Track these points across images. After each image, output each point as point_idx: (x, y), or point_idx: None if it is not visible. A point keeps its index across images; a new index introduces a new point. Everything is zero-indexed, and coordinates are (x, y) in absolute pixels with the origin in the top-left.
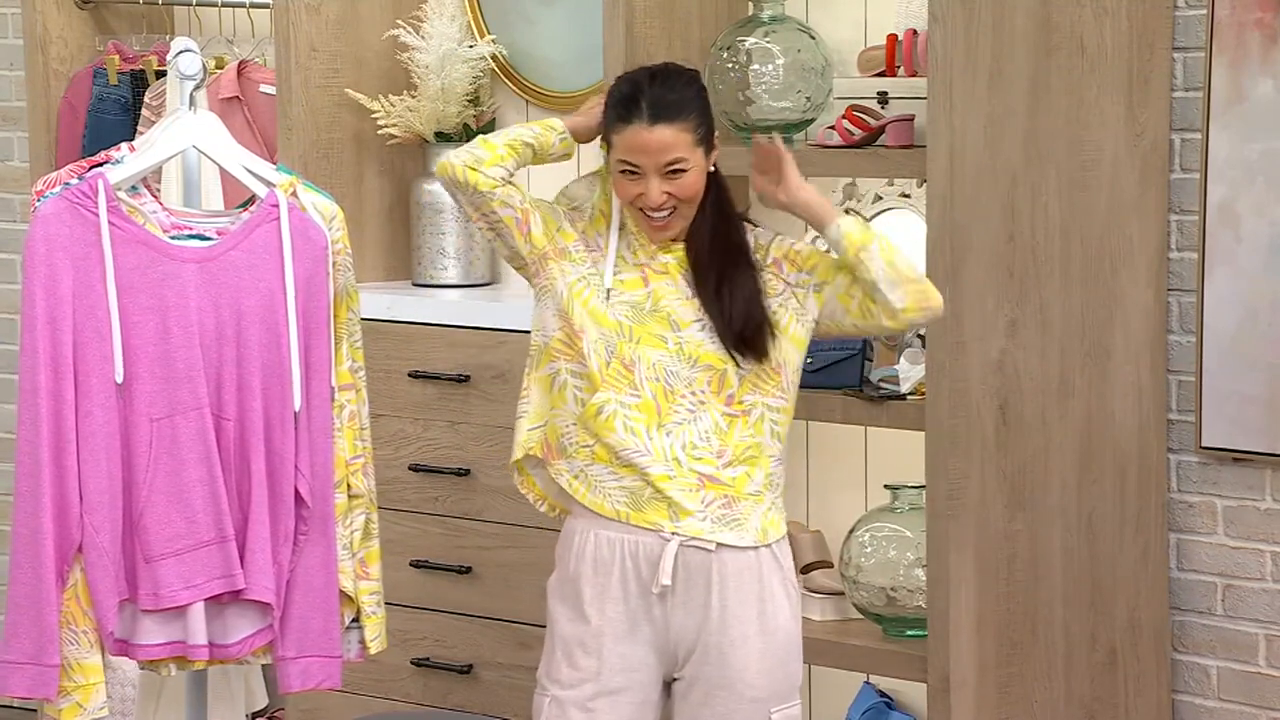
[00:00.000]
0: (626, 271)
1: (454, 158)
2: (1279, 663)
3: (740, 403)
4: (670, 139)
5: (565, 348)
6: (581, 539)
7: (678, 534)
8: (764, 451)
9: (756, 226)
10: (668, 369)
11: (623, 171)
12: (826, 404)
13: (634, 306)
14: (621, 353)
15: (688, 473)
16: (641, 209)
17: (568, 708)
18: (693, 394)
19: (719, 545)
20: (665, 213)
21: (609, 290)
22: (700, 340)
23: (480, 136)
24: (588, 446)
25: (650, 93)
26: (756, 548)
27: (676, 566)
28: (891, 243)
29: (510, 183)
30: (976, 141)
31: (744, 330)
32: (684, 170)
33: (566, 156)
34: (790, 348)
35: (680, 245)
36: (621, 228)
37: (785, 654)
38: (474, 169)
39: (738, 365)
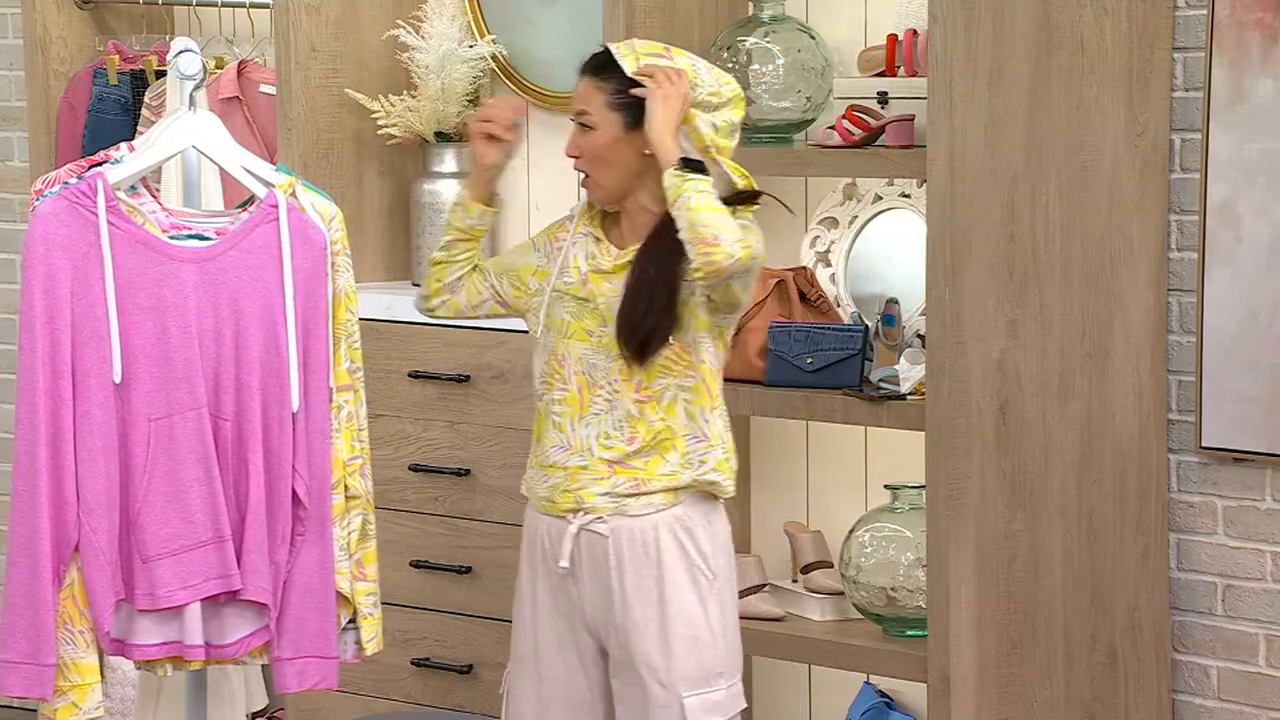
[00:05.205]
0: (569, 274)
1: (419, 305)
2: (1279, 663)
3: (648, 389)
4: (583, 91)
5: (544, 386)
6: (527, 524)
7: (584, 511)
8: (678, 433)
9: None
10: (589, 361)
11: None
12: (826, 404)
13: (578, 301)
14: (557, 350)
15: (598, 462)
16: None
17: (522, 675)
18: (609, 384)
19: (617, 519)
20: (583, 172)
21: (553, 287)
22: None
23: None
24: (534, 455)
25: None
26: (653, 513)
27: (579, 550)
28: (702, 201)
29: (469, 274)
30: (976, 141)
31: (636, 335)
32: (590, 127)
33: (493, 214)
34: (693, 324)
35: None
36: (591, 226)
37: (690, 638)
38: (431, 311)
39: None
